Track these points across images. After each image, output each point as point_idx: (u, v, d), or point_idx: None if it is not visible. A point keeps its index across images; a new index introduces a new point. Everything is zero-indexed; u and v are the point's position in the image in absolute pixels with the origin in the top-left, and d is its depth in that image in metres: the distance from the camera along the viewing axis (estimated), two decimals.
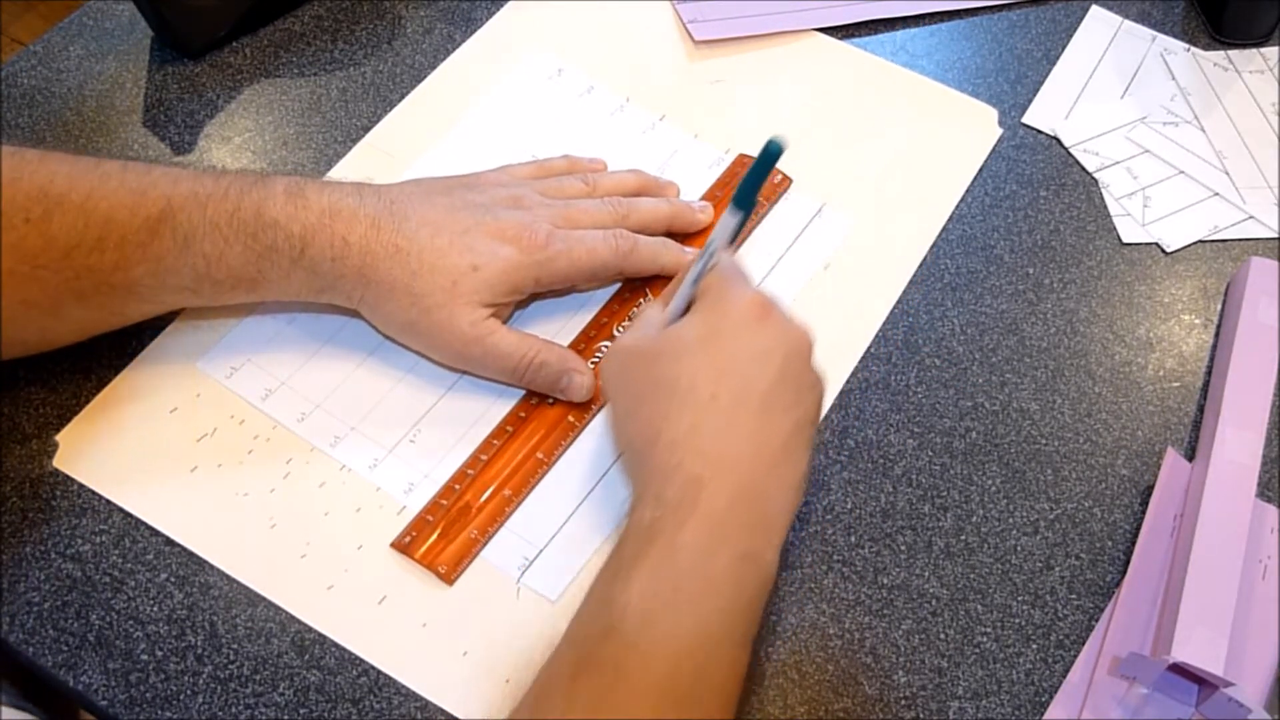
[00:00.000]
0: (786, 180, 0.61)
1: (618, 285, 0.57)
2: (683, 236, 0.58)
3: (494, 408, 0.53)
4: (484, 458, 0.51)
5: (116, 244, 0.47)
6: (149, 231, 0.47)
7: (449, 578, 0.49)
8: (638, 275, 0.56)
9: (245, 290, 0.50)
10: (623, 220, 0.55)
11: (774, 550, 0.42)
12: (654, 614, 0.39)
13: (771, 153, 0.47)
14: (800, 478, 0.44)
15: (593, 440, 0.53)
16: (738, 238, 0.50)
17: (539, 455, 0.52)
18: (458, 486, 0.51)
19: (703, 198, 0.61)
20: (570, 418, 0.53)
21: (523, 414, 0.53)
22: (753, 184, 0.48)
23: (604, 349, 0.55)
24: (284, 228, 0.49)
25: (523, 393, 0.53)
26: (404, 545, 0.49)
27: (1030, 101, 0.66)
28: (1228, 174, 0.63)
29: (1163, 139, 0.65)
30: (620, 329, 0.55)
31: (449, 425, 0.53)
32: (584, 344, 0.55)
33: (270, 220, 0.48)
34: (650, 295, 0.56)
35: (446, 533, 0.50)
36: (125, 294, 0.49)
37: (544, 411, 0.53)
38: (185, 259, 0.48)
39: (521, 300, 0.54)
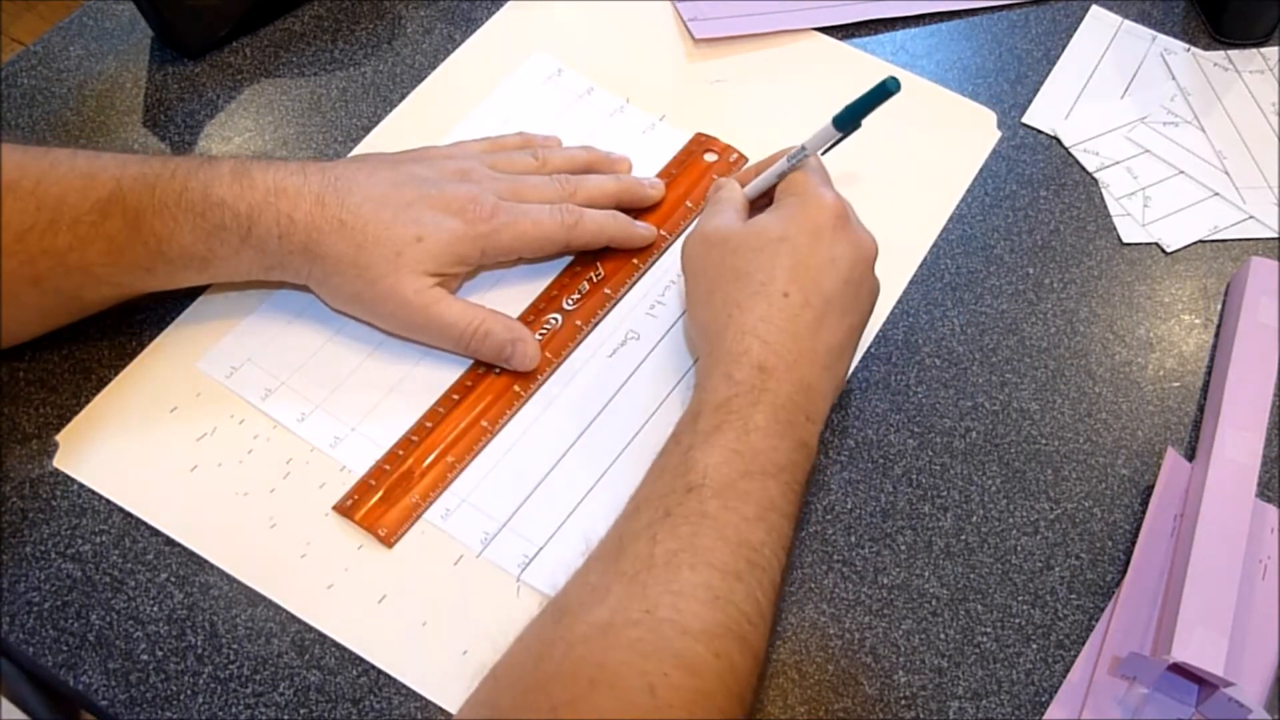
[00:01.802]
0: (742, 158, 0.62)
1: (569, 259, 0.58)
2: (635, 212, 0.59)
3: (447, 376, 0.54)
4: (429, 425, 0.52)
5: (69, 225, 0.48)
6: (100, 213, 0.48)
7: (389, 540, 0.49)
8: (585, 248, 0.57)
9: (199, 270, 0.51)
10: (570, 196, 0.56)
11: (817, 439, 0.48)
12: (733, 481, 0.44)
13: (888, 89, 0.49)
14: (844, 375, 0.50)
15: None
16: (827, 152, 0.53)
17: (483, 423, 0.52)
18: (401, 452, 0.51)
19: (658, 175, 0.61)
20: (516, 387, 0.53)
21: (469, 382, 0.53)
22: (858, 109, 0.50)
23: (553, 321, 0.55)
24: (230, 207, 0.49)
25: (472, 362, 0.54)
26: (345, 508, 0.50)
27: (1030, 102, 0.66)
28: (1228, 174, 0.63)
29: (1163, 139, 0.65)
30: (569, 302, 0.56)
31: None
32: (533, 316, 0.56)
33: (217, 200, 0.49)
34: (600, 269, 0.57)
35: (388, 496, 0.50)
36: (81, 276, 0.50)
37: (490, 380, 0.53)
38: (137, 238, 0.49)
39: (469, 272, 0.55)
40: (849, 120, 0.50)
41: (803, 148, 0.52)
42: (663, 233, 0.58)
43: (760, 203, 0.54)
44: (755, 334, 0.47)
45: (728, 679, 0.40)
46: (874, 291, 0.51)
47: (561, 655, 0.40)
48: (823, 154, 0.52)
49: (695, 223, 0.55)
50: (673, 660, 0.39)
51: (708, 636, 0.40)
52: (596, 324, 0.56)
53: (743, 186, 0.55)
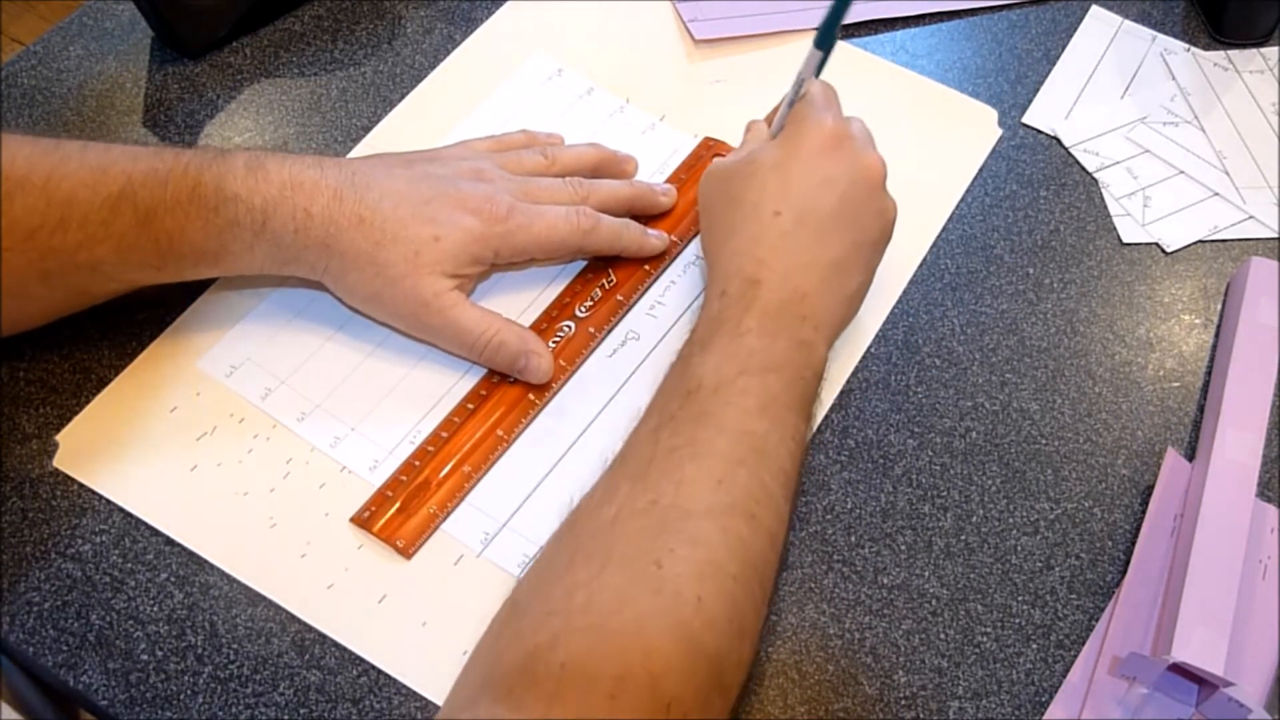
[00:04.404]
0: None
1: (582, 265, 0.58)
2: (646, 218, 0.59)
3: (459, 385, 0.54)
4: (445, 435, 0.52)
5: (79, 223, 0.48)
6: (110, 210, 0.48)
7: (407, 552, 0.49)
8: (599, 254, 0.57)
9: (210, 265, 0.51)
10: (583, 200, 0.56)
11: (824, 345, 0.49)
12: (729, 379, 0.45)
13: None
14: (853, 290, 0.51)
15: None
16: (819, 73, 0.54)
17: (499, 433, 0.52)
18: (418, 463, 0.51)
19: (668, 180, 0.61)
20: (530, 396, 0.53)
21: (484, 391, 0.53)
22: (830, 24, 0.51)
23: (566, 328, 0.55)
24: (245, 201, 0.49)
25: (485, 370, 0.54)
26: (362, 520, 0.50)
27: (1030, 101, 0.66)
28: (1228, 174, 0.63)
29: (1163, 139, 0.65)
30: (583, 309, 0.56)
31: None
32: (546, 324, 0.56)
33: (231, 194, 0.49)
34: (613, 275, 0.57)
35: (405, 507, 0.50)
36: (90, 273, 0.49)
37: (505, 390, 0.53)
38: (148, 235, 0.49)
39: (484, 273, 0.55)
40: (826, 36, 0.51)
41: (799, 77, 0.53)
42: (673, 239, 0.58)
43: None
44: (747, 253, 0.49)
45: (737, 550, 0.41)
46: (884, 211, 0.51)
47: (572, 549, 0.42)
48: (816, 69, 0.53)
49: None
50: (677, 537, 0.41)
51: (711, 514, 0.42)
52: (609, 331, 0.56)
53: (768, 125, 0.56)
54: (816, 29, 0.51)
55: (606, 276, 0.57)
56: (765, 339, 0.46)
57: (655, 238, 0.58)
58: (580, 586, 0.40)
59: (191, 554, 0.49)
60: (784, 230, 0.49)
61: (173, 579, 0.49)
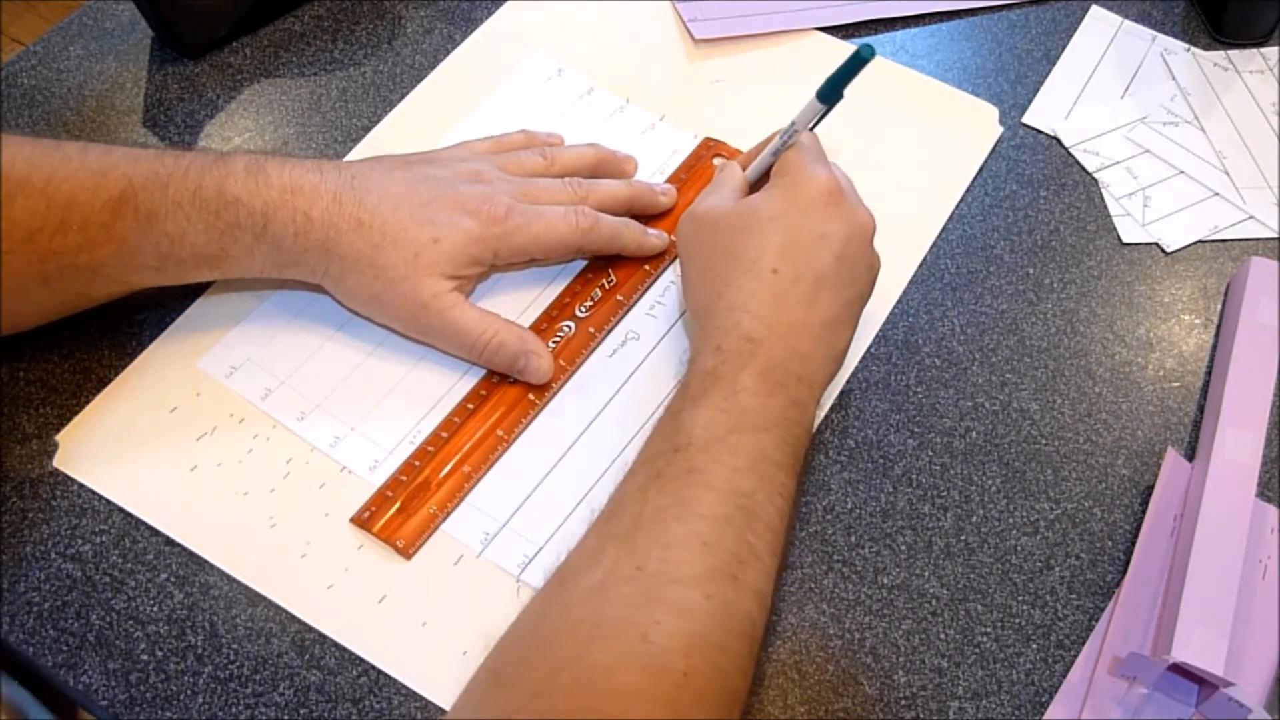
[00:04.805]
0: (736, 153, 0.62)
1: (581, 265, 0.58)
2: (645, 218, 0.59)
3: (459, 385, 0.54)
4: (445, 435, 0.52)
5: (79, 226, 0.47)
6: (111, 213, 0.48)
7: (407, 552, 0.49)
8: (598, 254, 0.57)
9: (210, 268, 0.51)
10: (582, 200, 0.56)
11: (814, 404, 0.48)
12: (719, 436, 0.44)
13: (862, 57, 0.49)
14: (844, 348, 0.50)
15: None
16: (814, 126, 0.53)
17: (499, 433, 0.52)
18: (418, 463, 0.51)
19: (667, 180, 0.61)
20: (530, 396, 0.53)
21: (484, 391, 0.53)
22: (838, 82, 0.50)
23: (566, 328, 0.55)
24: (246, 204, 0.49)
25: (485, 371, 0.54)
26: (362, 520, 0.50)
27: (1030, 101, 0.66)
28: (1228, 174, 0.63)
29: (1163, 139, 0.65)
30: (582, 309, 0.56)
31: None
32: (546, 324, 0.56)
33: (232, 198, 0.49)
34: (613, 275, 0.57)
35: (405, 507, 0.50)
36: (90, 275, 0.49)
37: (505, 390, 0.53)
38: (148, 239, 0.49)
39: (483, 274, 0.55)
40: (830, 92, 0.51)
41: (792, 124, 0.52)
42: (673, 239, 0.58)
43: (761, 184, 0.54)
44: (744, 309, 0.47)
45: (723, 618, 0.41)
46: (873, 267, 0.51)
47: (559, 618, 0.41)
48: (812, 129, 0.53)
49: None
50: (664, 608, 0.40)
51: (697, 581, 0.41)
52: (609, 331, 0.56)
53: (744, 169, 0.55)
54: (821, 85, 0.51)
55: (606, 276, 0.57)
56: (760, 398, 0.45)
57: (655, 237, 0.58)
58: (566, 666, 0.39)
59: (191, 554, 0.49)
60: (783, 288, 0.48)
61: (173, 579, 0.49)
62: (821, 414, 0.54)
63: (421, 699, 0.46)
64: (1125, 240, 0.61)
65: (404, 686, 0.46)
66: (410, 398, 0.53)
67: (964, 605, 0.50)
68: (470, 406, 0.53)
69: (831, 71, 0.50)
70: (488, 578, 0.49)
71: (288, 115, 0.64)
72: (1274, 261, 0.58)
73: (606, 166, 0.60)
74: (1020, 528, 0.52)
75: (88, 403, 0.53)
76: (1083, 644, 0.49)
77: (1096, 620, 0.50)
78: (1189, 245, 0.61)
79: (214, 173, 0.49)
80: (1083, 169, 0.64)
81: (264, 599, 0.48)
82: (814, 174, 0.50)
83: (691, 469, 0.44)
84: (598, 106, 0.64)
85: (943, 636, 0.49)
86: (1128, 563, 0.50)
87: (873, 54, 0.49)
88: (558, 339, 0.55)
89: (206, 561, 0.49)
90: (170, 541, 0.49)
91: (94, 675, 0.46)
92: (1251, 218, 0.62)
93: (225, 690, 0.46)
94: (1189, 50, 0.69)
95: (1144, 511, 0.52)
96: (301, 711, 0.46)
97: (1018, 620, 0.49)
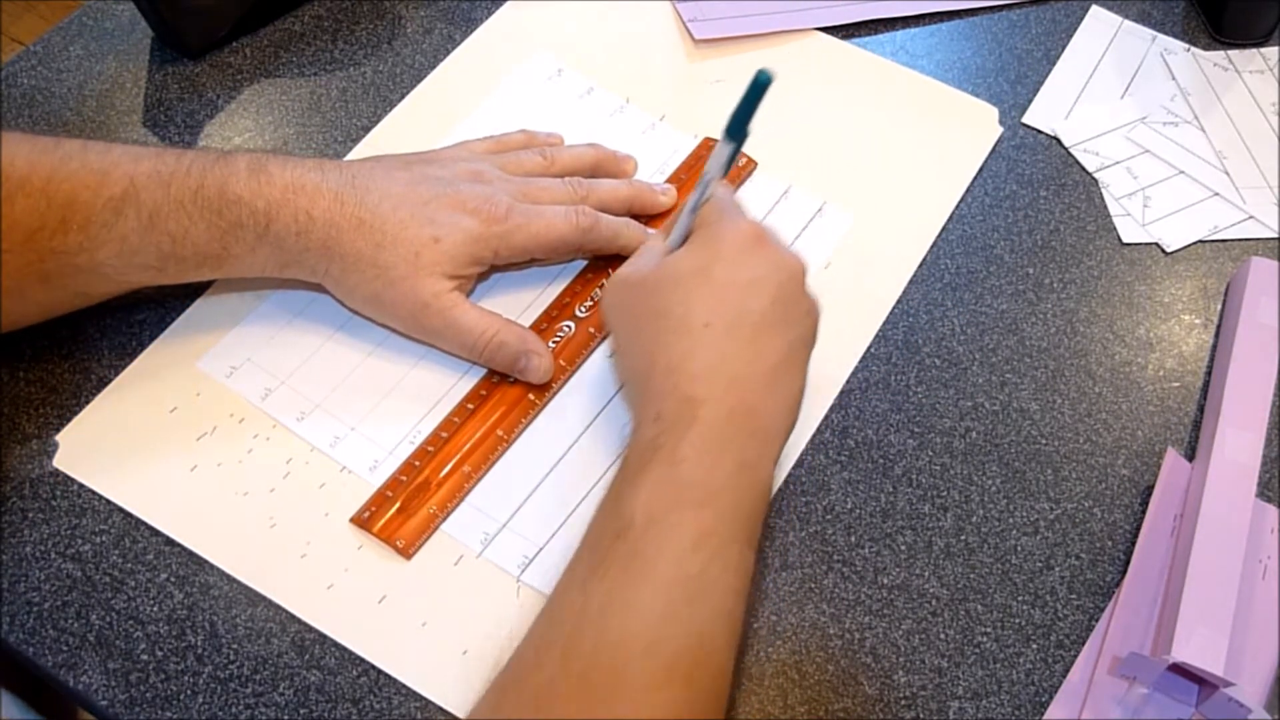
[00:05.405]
0: (751, 163, 0.62)
1: (582, 265, 0.58)
2: (645, 217, 0.59)
3: (459, 385, 0.54)
4: (445, 435, 0.52)
5: (80, 225, 0.47)
6: (113, 212, 0.48)
7: (407, 552, 0.49)
8: (599, 253, 0.57)
9: (211, 267, 0.51)
10: (582, 199, 0.56)
11: (770, 462, 0.44)
12: (659, 516, 0.41)
13: (760, 83, 0.47)
14: (795, 396, 0.46)
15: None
16: (730, 170, 0.50)
17: (499, 433, 0.52)
18: (418, 463, 0.51)
19: (667, 180, 0.61)
20: (531, 396, 0.53)
21: (484, 391, 0.53)
22: (743, 114, 0.48)
23: (566, 328, 0.55)
24: (248, 204, 0.49)
25: (486, 370, 0.54)
26: (362, 520, 0.50)
27: (1030, 101, 0.66)
28: (1228, 174, 0.63)
29: (1163, 139, 0.65)
30: (583, 309, 0.56)
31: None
32: (546, 323, 0.56)
33: (234, 197, 0.49)
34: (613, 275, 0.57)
35: (405, 507, 0.50)
36: (90, 275, 0.49)
37: (505, 390, 0.53)
38: (150, 238, 0.49)
39: (484, 273, 0.55)
40: (739, 128, 0.48)
41: (706, 174, 0.49)
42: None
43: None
44: (681, 370, 0.44)
45: (682, 709, 0.39)
46: (811, 311, 0.48)
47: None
48: (726, 164, 0.49)
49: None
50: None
51: (647, 689, 0.38)
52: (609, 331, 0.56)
53: (664, 235, 0.52)
54: (727, 122, 0.48)
55: (606, 276, 0.57)
56: (704, 468, 0.42)
57: None
58: None
59: (191, 554, 0.49)
60: (717, 342, 0.45)
61: (173, 579, 0.49)
62: (821, 414, 0.54)
63: (421, 699, 0.46)
64: (1125, 240, 0.61)
65: (404, 686, 0.46)
66: (410, 398, 0.53)
67: (964, 605, 0.50)
68: (470, 406, 0.53)
69: (734, 106, 0.48)
70: (488, 578, 0.49)
71: (288, 115, 0.64)
72: (1274, 261, 0.58)
73: (606, 166, 0.60)
74: (1020, 528, 0.52)
75: (88, 403, 0.53)
76: (1083, 644, 0.49)
77: (1096, 620, 0.50)
78: (1189, 245, 0.61)
79: (216, 172, 0.49)
80: (1083, 169, 0.64)
81: (264, 599, 0.48)
82: (733, 221, 0.48)
83: (633, 554, 0.40)
84: (598, 106, 0.64)
85: (943, 636, 0.49)
86: (1128, 563, 0.50)
87: (770, 80, 0.46)
88: (558, 339, 0.55)
89: (206, 561, 0.49)
90: (170, 541, 0.49)
91: (94, 675, 0.46)
92: (1251, 218, 0.62)
93: (225, 690, 0.46)
94: (1189, 50, 0.69)
95: (1144, 511, 0.52)
96: (301, 711, 0.46)
97: (1018, 620, 0.49)
